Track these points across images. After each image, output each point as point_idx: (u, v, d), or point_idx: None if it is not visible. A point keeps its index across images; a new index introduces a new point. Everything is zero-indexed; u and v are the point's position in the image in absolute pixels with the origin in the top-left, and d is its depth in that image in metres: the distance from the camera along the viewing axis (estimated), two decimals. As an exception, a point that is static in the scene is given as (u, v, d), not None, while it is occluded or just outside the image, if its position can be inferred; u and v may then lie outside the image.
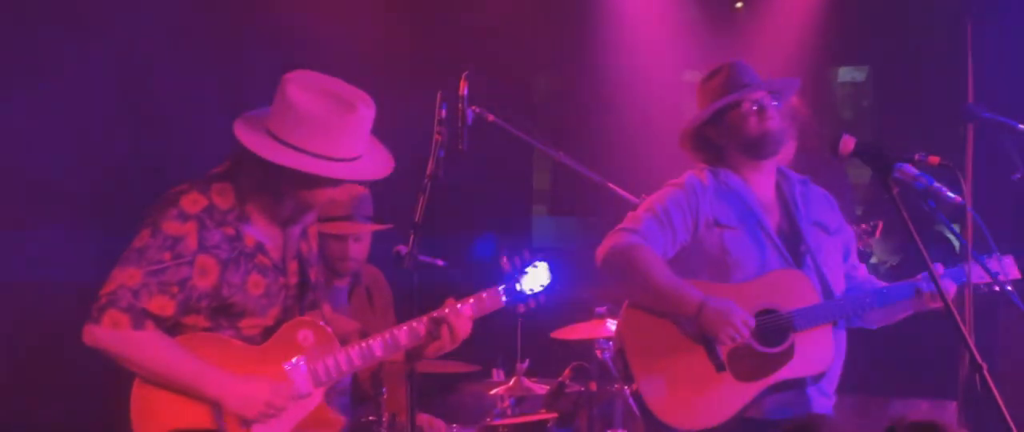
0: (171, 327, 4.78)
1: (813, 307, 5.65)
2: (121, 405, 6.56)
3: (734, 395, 5.57)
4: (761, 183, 5.86)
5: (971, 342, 4.81)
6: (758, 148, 5.77)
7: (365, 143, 4.88)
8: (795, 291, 5.67)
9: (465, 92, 6.29)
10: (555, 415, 7.02)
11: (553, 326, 7.10)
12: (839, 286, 5.82)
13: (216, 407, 4.79)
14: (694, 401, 5.57)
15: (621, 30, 9.91)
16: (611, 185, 6.79)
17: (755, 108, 5.75)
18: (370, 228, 6.77)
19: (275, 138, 4.78)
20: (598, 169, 6.92)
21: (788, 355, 5.60)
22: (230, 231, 4.81)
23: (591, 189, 6.82)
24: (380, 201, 6.78)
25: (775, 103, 5.80)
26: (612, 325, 7.07)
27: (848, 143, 5.18)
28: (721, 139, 5.84)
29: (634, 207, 7.05)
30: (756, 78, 5.85)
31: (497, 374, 7.25)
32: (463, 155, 6.01)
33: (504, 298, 5.25)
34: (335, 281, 6.73)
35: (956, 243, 8.14)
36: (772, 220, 5.80)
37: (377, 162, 4.96)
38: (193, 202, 4.77)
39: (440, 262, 6.47)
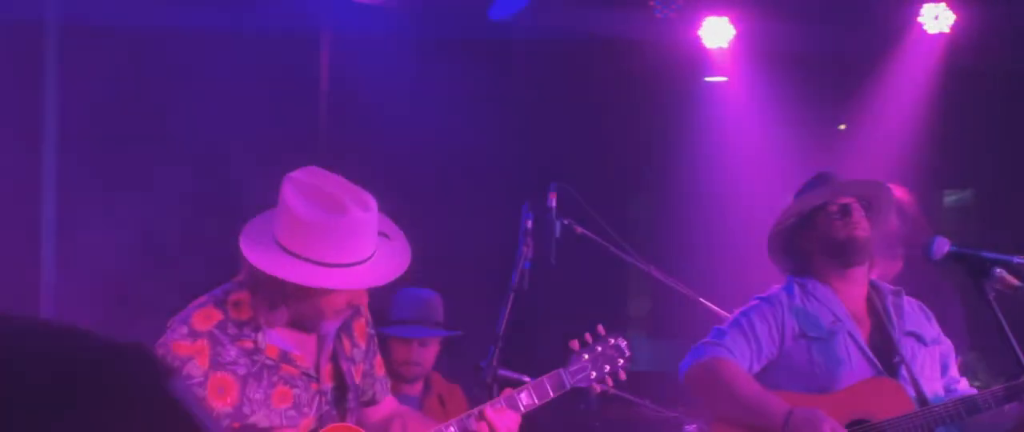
0: None
1: (907, 416, 5.40)
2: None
3: None
4: (851, 293, 5.68)
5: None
6: (842, 254, 5.61)
7: (372, 244, 4.48)
8: (889, 401, 5.45)
9: (553, 204, 6.19)
10: None
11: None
12: (938, 398, 5.59)
13: None
14: None
15: (723, 149, 9.81)
16: (702, 299, 6.65)
17: (838, 210, 5.61)
18: (436, 334, 6.68)
19: (278, 245, 4.42)
20: (697, 289, 6.78)
21: None
22: (248, 344, 4.47)
23: (692, 312, 6.68)
24: (461, 311, 6.68)
25: (864, 212, 5.65)
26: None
27: (942, 246, 5.01)
28: (808, 244, 5.70)
29: (728, 323, 6.91)
30: (844, 183, 5.72)
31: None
32: (553, 270, 5.90)
33: (568, 380, 4.98)
34: (404, 387, 6.59)
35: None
36: (863, 331, 5.62)
37: (382, 266, 4.53)
38: (206, 318, 4.43)
39: (526, 378, 6.31)
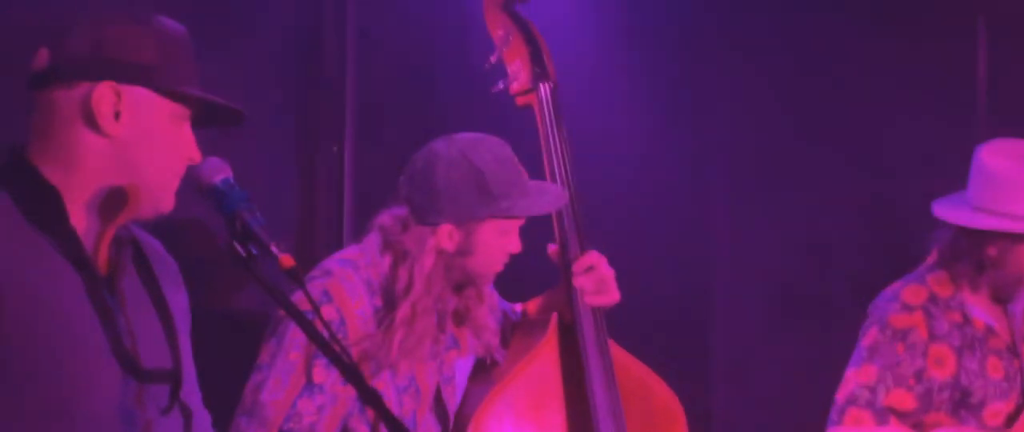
0: (914, 425, 4.81)
1: None
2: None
3: None
4: None
5: None
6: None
7: None
8: None
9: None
10: None
11: None
12: None
13: None
14: None
15: None
16: None
17: None
18: None
19: (973, 208, 4.76)
20: None
21: None
22: (956, 317, 4.81)
23: None
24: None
25: None
26: None
27: None
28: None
29: None
30: None
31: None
32: None
33: None
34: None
35: None
36: None
37: None
38: (914, 293, 4.82)
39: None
